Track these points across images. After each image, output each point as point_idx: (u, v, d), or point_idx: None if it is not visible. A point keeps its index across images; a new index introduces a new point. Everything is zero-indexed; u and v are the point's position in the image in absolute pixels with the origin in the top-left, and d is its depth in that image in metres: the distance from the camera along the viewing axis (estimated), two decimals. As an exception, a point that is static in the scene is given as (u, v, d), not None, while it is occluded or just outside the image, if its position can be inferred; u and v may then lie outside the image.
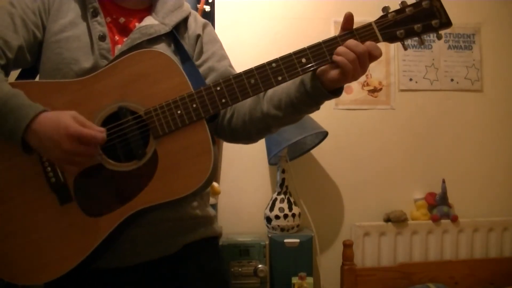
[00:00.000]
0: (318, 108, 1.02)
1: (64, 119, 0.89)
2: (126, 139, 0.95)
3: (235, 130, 1.11)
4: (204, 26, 1.18)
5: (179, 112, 0.94)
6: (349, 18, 0.95)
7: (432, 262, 2.37)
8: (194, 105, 0.95)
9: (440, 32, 0.96)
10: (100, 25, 1.06)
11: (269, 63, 0.96)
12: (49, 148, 0.90)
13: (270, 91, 1.03)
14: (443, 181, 2.42)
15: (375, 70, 2.48)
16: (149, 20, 1.10)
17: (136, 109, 0.96)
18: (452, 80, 2.53)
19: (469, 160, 2.53)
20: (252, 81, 0.95)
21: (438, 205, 2.43)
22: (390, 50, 2.48)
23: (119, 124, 0.95)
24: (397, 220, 2.36)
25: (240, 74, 0.96)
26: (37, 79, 1.11)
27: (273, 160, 2.31)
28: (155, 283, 1.04)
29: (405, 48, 0.98)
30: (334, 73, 0.93)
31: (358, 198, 2.46)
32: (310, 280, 2.08)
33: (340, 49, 0.93)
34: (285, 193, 2.24)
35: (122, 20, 1.11)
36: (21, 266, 0.95)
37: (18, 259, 0.95)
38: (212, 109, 0.95)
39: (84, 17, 1.07)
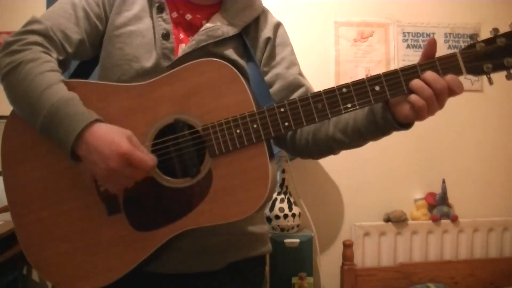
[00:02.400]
0: (385, 136, 0.95)
1: (118, 138, 0.84)
2: (181, 154, 0.91)
3: (297, 148, 1.05)
4: (275, 27, 1.11)
5: (238, 131, 0.89)
6: (432, 44, 0.87)
7: (432, 262, 2.38)
8: (255, 126, 0.89)
9: None
10: (165, 22, 1.01)
11: (339, 87, 0.88)
12: (95, 162, 0.85)
13: None
14: (443, 181, 2.42)
15: (375, 71, 2.47)
16: (217, 20, 1.03)
17: (194, 123, 0.91)
18: (452, 80, 2.53)
19: (469, 160, 2.54)
20: (319, 106, 0.88)
21: (438, 205, 2.43)
22: (390, 50, 2.47)
23: (174, 138, 0.91)
24: (397, 220, 2.37)
25: (306, 97, 0.89)
26: (96, 71, 1.06)
27: (273, 160, 2.31)
28: None
29: (491, 83, 0.86)
30: (407, 108, 0.85)
31: (358, 198, 2.46)
32: (310, 280, 2.08)
33: (415, 83, 0.84)
34: (285, 193, 2.24)
35: (188, 16, 1.04)
36: (65, 272, 0.92)
37: (63, 264, 0.92)
38: (274, 132, 0.89)
39: (150, 11, 1.02)
